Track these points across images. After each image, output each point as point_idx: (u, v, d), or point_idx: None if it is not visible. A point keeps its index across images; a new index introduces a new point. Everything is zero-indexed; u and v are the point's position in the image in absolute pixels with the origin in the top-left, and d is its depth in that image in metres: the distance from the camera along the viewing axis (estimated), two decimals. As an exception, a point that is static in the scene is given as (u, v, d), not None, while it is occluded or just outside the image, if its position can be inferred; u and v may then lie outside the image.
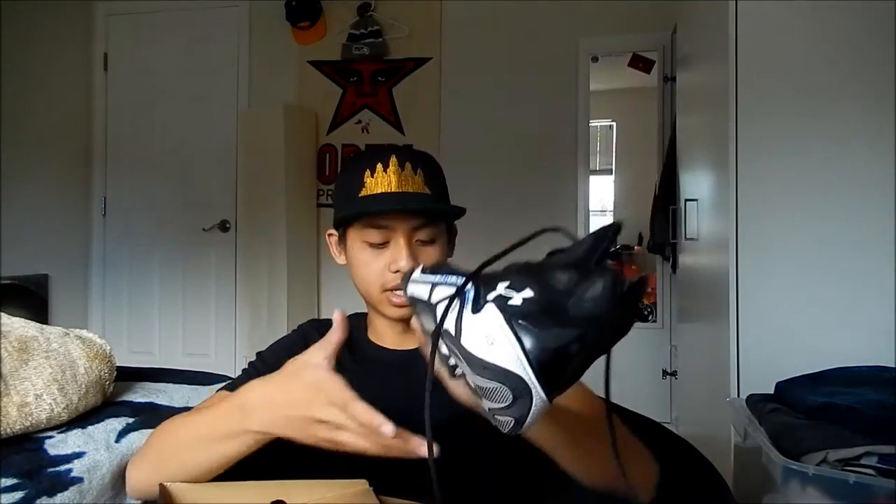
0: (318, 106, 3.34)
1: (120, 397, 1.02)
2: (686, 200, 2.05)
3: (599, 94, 3.21)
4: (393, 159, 0.82)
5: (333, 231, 0.90)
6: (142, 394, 1.06)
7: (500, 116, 3.12)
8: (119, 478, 0.84)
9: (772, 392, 1.19)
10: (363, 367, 0.87)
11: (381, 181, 0.81)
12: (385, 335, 0.90)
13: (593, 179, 3.20)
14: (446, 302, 0.49)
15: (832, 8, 1.48)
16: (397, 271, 0.80)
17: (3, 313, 0.92)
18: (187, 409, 1.02)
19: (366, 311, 0.96)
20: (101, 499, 0.80)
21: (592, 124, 3.17)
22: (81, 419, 0.91)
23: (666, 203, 2.45)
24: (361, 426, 0.60)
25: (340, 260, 0.89)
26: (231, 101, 3.40)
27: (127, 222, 3.53)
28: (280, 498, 0.65)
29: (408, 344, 0.88)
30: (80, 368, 0.91)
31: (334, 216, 0.88)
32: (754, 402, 1.18)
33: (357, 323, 0.93)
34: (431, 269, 0.55)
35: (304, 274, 3.23)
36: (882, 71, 1.42)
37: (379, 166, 0.82)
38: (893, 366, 1.20)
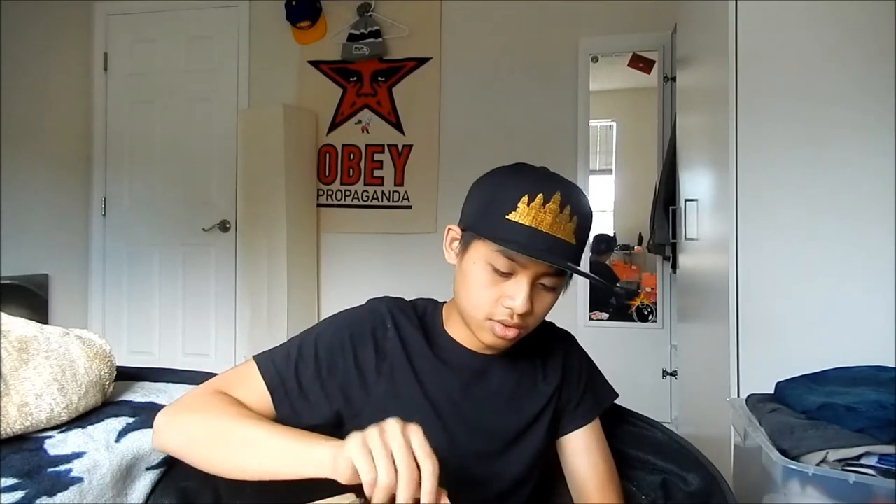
0: (318, 106, 3.34)
1: (120, 397, 1.02)
2: (686, 200, 2.05)
3: (599, 94, 3.21)
4: (557, 196, 0.75)
5: (456, 228, 0.84)
6: (142, 394, 1.05)
7: (499, 116, 3.12)
8: (120, 477, 0.84)
9: (772, 392, 1.19)
10: (442, 362, 0.85)
11: (536, 215, 0.75)
12: (463, 336, 0.87)
13: (593, 179, 3.20)
14: None
15: (832, 8, 1.48)
16: (510, 308, 0.77)
17: (3, 313, 0.92)
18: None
19: (439, 300, 0.93)
20: (101, 499, 0.80)
21: (592, 124, 3.17)
22: (81, 419, 0.90)
23: (666, 203, 2.45)
24: None
25: (451, 259, 0.85)
26: (231, 101, 3.40)
27: (127, 222, 3.53)
28: None
29: (485, 350, 0.86)
30: (80, 368, 0.91)
31: (469, 219, 0.82)
32: (754, 402, 1.18)
33: (431, 309, 0.91)
34: None
35: (304, 274, 3.23)
36: (882, 70, 1.42)
37: (539, 197, 0.75)
38: (893, 366, 1.20)
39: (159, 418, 0.77)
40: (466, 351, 0.87)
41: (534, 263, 0.76)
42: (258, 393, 0.78)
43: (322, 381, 0.80)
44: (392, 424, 0.60)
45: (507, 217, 0.75)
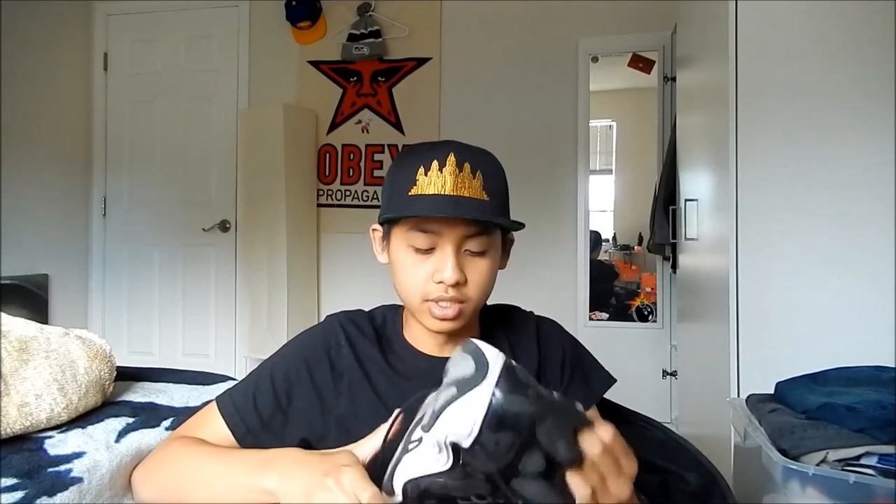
0: (318, 106, 3.34)
1: (120, 397, 1.02)
2: (686, 200, 2.05)
3: (599, 94, 3.21)
4: (451, 158, 0.74)
5: (378, 227, 0.83)
6: (142, 394, 1.05)
7: (499, 116, 3.12)
8: (119, 477, 0.84)
9: (772, 392, 1.19)
10: (399, 373, 0.82)
11: (435, 181, 0.73)
12: (421, 339, 0.84)
13: (593, 179, 3.20)
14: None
15: (832, 7, 1.48)
16: (441, 282, 0.74)
17: (3, 313, 0.92)
18: (187, 409, 1.02)
19: (399, 304, 0.89)
20: (101, 499, 0.80)
21: (592, 124, 3.17)
22: (81, 419, 0.90)
23: (666, 203, 2.45)
24: None
25: (382, 258, 0.83)
26: (231, 101, 3.40)
27: (127, 222, 3.53)
28: None
29: (445, 351, 0.83)
30: (80, 368, 0.91)
31: (381, 211, 0.81)
32: (754, 402, 1.18)
33: (391, 317, 0.88)
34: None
35: (304, 274, 3.23)
36: (882, 70, 1.42)
37: (434, 164, 0.74)
38: (893, 366, 1.20)
39: (135, 476, 0.80)
40: (424, 356, 0.84)
41: (450, 229, 0.74)
42: (220, 433, 0.78)
43: (283, 410, 0.79)
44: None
45: (409, 194, 0.74)
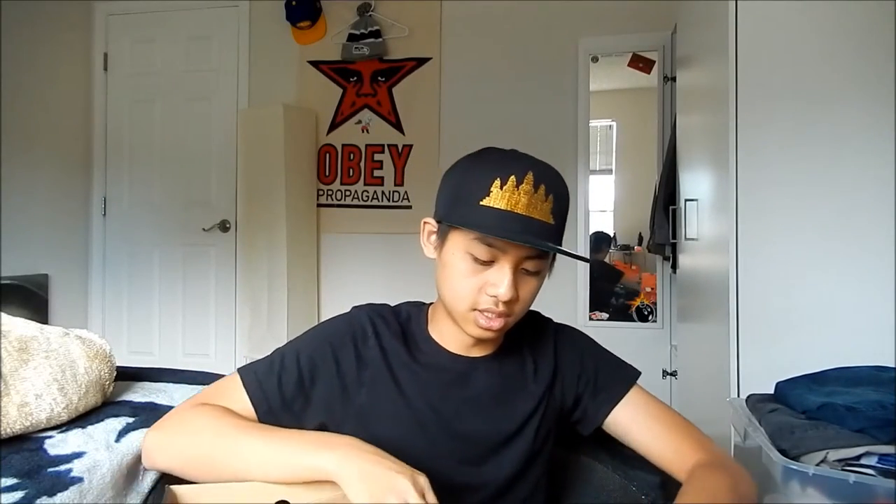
0: (318, 106, 3.34)
1: (120, 397, 1.02)
2: (686, 200, 2.05)
3: (599, 94, 3.21)
4: (529, 177, 0.74)
5: (432, 222, 0.83)
6: (142, 394, 1.06)
7: (499, 116, 3.12)
8: (119, 477, 0.84)
9: (772, 392, 1.19)
10: (423, 368, 0.83)
11: (510, 197, 0.73)
12: (449, 337, 0.85)
13: (593, 179, 3.20)
14: None
15: (832, 7, 1.48)
16: (494, 296, 0.75)
17: (3, 313, 0.92)
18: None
19: (423, 301, 0.92)
20: (101, 499, 0.80)
21: (592, 124, 3.17)
22: (81, 419, 0.91)
23: (666, 203, 2.45)
24: None
25: (430, 253, 0.83)
26: (231, 101, 3.40)
27: (127, 222, 3.53)
28: (284, 498, 0.65)
29: (471, 351, 0.85)
30: (80, 368, 0.91)
31: (442, 210, 0.80)
32: (754, 402, 1.18)
33: (415, 313, 0.89)
34: None
35: (304, 274, 3.23)
36: (882, 70, 1.42)
37: (512, 179, 0.73)
38: (893, 366, 1.20)
39: (149, 438, 0.78)
40: (449, 354, 0.85)
41: (514, 248, 0.74)
42: (242, 406, 0.78)
43: (305, 393, 0.80)
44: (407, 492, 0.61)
45: (480, 203, 0.74)
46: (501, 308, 0.76)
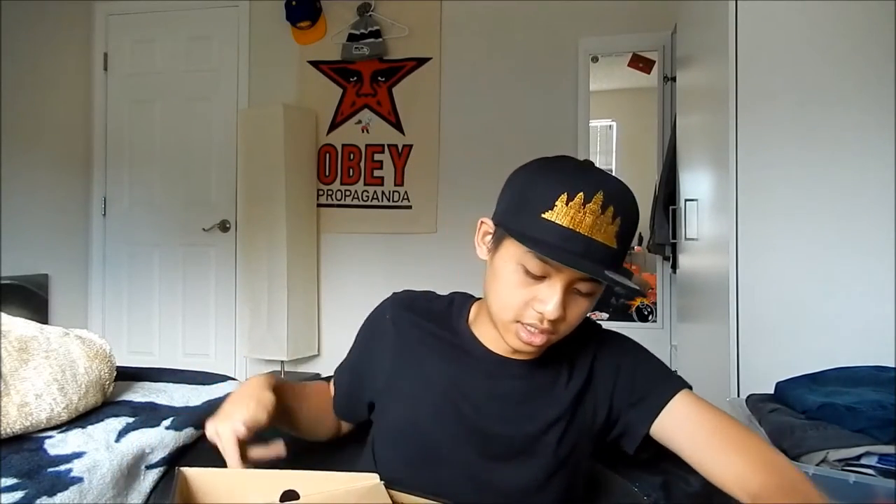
0: (318, 106, 3.34)
1: (120, 397, 1.02)
2: (686, 200, 2.05)
3: (599, 94, 3.21)
4: (599, 196, 0.70)
5: (489, 222, 0.80)
6: (142, 394, 1.06)
7: (499, 116, 3.12)
8: (120, 477, 0.84)
9: (772, 392, 1.19)
10: (453, 349, 0.85)
11: (574, 215, 0.69)
12: (489, 337, 0.84)
13: (593, 179, 3.20)
14: None
15: (832, 8, 1.48)
16: (540, 312, 0.72)
17: (3, 313, 0.92)
18: (187, 408, 1.02)
19: (473, 294, 0.92)
20: (102, 499, 0.80)
21: (592, 124, 3.17)
22: (81, 419, 0.91)
23: (666, 203, 2.45)
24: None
25: (482, 254, 0.81)
26: (231, 101, 3.40)
27: (127, 222, 3.53)
28: (292, 488, 0.65)
29: (511, 354, 0.83)
30: (80, 368, 0.91)
31: (502, 214, 0.77)
32: (754, 402, 1.18)
33: (460, 302, 0.90)
34: None
35: (304, 274, 3.23)
36: (882, 70, 1.42)
37: (580, 197, 0.69)
38: (893, 366, 1.20)
39: None
40: (483, 348, 0.84)
41: (568, 268, 0.70)
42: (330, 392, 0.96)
43: (354, 377, 0.92)
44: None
45: (542, 216, 0.70)
46: (546, 325, 0.74)
